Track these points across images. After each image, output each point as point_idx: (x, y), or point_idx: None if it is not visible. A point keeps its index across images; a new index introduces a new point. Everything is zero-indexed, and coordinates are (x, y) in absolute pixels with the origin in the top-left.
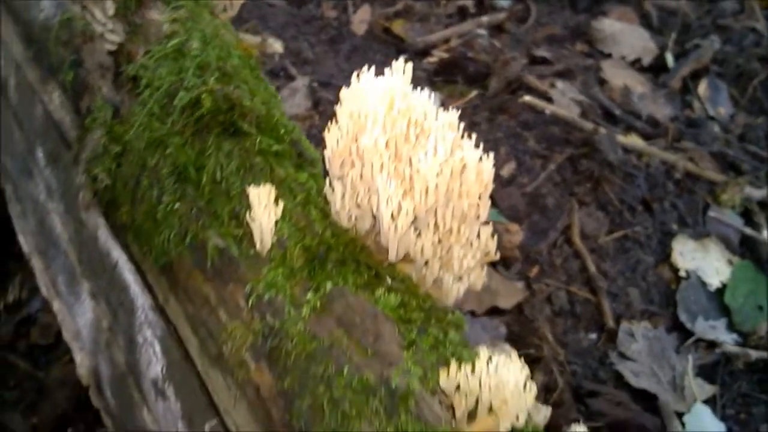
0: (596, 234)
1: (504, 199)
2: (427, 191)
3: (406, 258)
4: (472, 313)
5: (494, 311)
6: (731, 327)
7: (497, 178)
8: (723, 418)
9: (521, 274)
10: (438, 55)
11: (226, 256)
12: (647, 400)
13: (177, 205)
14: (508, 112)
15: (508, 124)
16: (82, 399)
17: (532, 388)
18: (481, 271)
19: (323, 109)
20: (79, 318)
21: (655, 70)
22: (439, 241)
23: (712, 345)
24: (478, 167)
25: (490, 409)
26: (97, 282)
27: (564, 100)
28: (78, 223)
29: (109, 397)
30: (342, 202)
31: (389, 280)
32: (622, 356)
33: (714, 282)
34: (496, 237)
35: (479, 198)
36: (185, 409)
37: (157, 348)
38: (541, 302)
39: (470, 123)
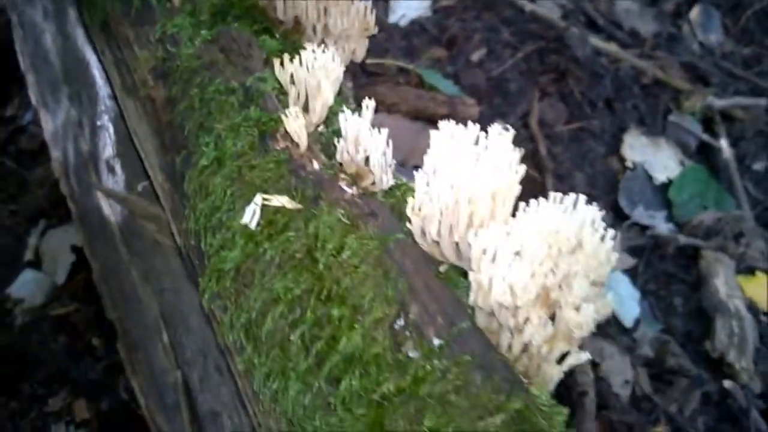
0: (554, 123)
1: (468, 78)
2: None
3: (297, 26)
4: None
5: None
6: (670, 219)
7: (466, 62)
8: (643, 292)
9: None
10: None
11: (147, 6)
12: None
13: None
14: (494, 10)
15: (490, 19)
16: (58, 197)
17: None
18: (363, 41)
19: None
20: (57, 119)
21: None
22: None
23: (645, 229)
24: None
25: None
26: (74, 86)
27: (547, 3)
28: (64, 38)
29: (73, 183)
30: None
31: (276, 34)
32: None
33: (660, 177)
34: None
35: None
36: (127, 178)
37: (111, 130)
38: None
39: (457, 19)
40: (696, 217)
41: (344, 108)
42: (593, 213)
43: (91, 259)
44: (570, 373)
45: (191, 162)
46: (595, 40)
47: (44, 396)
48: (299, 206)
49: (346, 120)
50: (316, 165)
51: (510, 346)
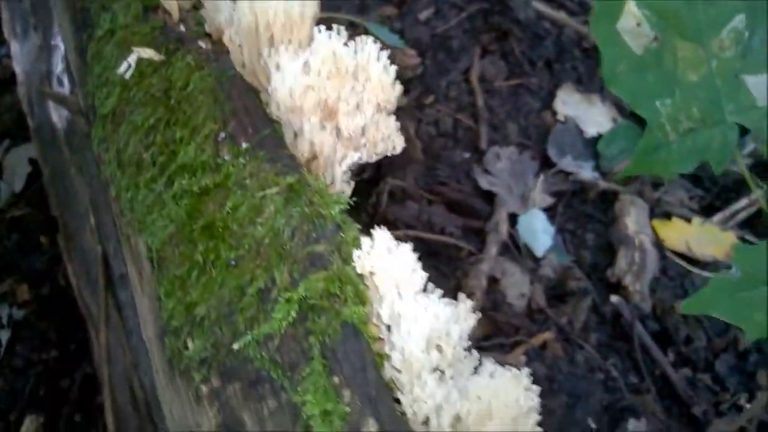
0: (493, 79)
1: (413, 33)
2: None
3: None
4: None
5: None
6: (596, 169)
7: (413, 20)
8: (560, 230)
9: (417, 101)
10: None
11: None
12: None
13: None
14: None
15: None
16: (21, 121)
17: None
18: None
19: None
20: (24, 47)
21: None
22: None
23: (570, 176)
24: None
25: None
26: (38, 16)
27: None
28: None
29: (33, 100)
30: None
31: None
32: (485, 171)
33: (591, 131)
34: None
35: None
36: (71, 86)
37: (61, 47)
38: (428, 124)
39: None
40: (619, 165)
41: None
42: (376, 48)
43: (43, 165)
44: (464, 275)
45: (93, 36)
46: (540, 5)
47: None
48: (162, 57)
49: None
50: (182, 28)
51: (303, 153)
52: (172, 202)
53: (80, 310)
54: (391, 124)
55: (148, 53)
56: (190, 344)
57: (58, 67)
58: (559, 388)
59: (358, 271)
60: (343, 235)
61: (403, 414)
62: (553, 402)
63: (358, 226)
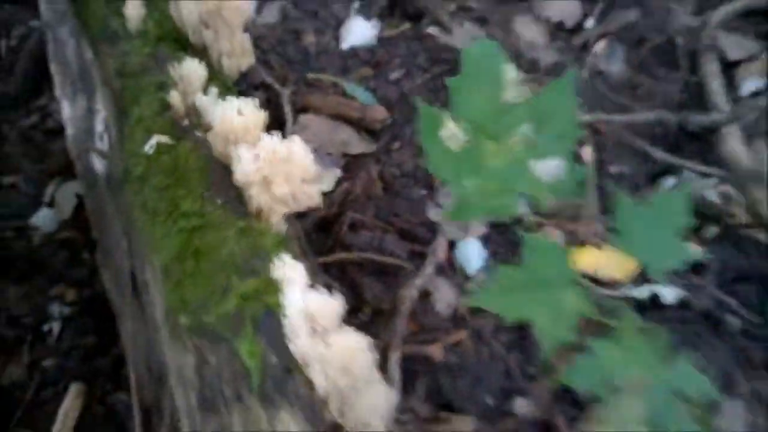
0: None
1: (384, 92)
2: None
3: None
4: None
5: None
6: (528, 205)
7: (385, 80)
8: (492, 253)
9: (385, 147)
10: None
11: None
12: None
13: None
14: (422, 40)
15: (416, 47)
16: (69, 162)
17: None
18: (246, 59)
19: None
20: (74, 108)
21: (573, 31)
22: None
23: None
24: None
25: None
26: (84, 82)
27: (462, 36)
28: (79, 48)
29: (80, 149)
30: None
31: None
32: (436, 205)
33: None
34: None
35: None
36: (110, 143)
37: (102, 112)
38: (392, 166)
39: (387, 46)
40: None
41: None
42: (301, 142)
43: (86, 200)
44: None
45: (127, 123)
46: None
47: (47, 287)
48: (172, 142)
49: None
50: (186, 122)
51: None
52: (176, 235)
53: (112, 308)
54: (311, 189)
55: (163, 138)
56: (182, 319)
57: (99, 127)
58: (467, 373)
59: (276, 278)
60: (271, 258)
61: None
62: (460, 383)
63: (290, 254)
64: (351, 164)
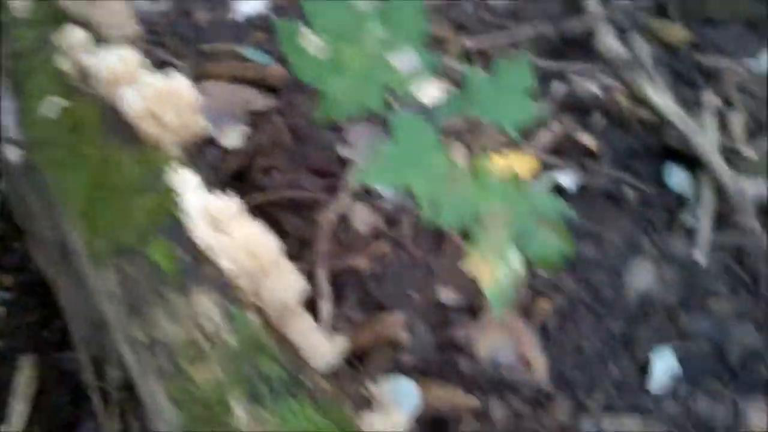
0: None
1: (280, 53)
2: None
3: None
4: None
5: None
6: None
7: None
8: None
9: (288, 102)
10: None
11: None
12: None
13: None
14: None
15: None
16: None
17: None
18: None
19: None
20: None
21: None
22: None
23: None
24: None
25: None
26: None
27: None
28: None
29: None
30: None
31: None
32: (344, 143)
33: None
34: None
35: None
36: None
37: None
38: (297, 117)
39: (285, 11)
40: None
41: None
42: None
43: (9, 193)
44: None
45: (23, 97)
46: None
47: None
48: (69, 103)
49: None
50: (79, 83)
51: None
52: (84, 179)
53: (49, 284)
54: (198, 117)
55: (59, 100)
56: (100, 245)
57: (9, 119)
58: (392, 277)
59: (173, 186)
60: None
61: None
62: (388, 286)
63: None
64: (257, 120)
